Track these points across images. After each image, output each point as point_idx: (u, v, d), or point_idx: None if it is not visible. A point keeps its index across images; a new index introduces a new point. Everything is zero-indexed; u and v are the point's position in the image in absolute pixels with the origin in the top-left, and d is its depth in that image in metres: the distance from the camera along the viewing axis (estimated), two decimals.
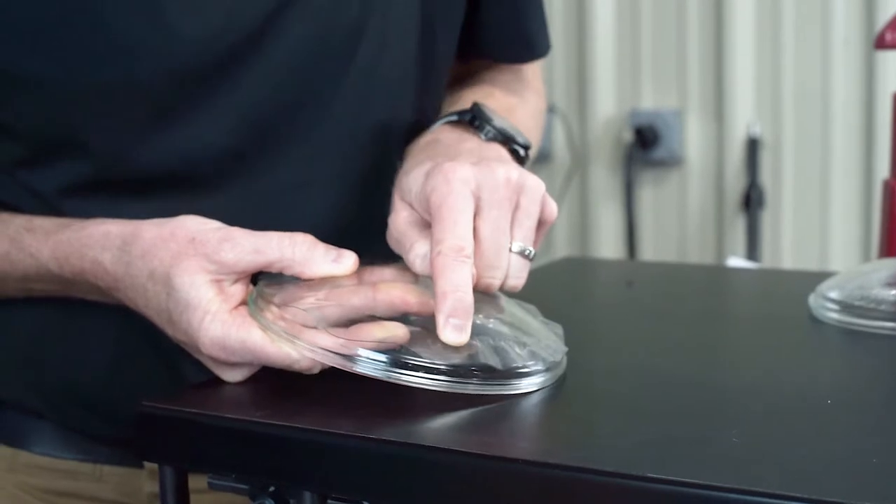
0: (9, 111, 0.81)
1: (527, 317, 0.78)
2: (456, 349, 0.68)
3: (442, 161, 0.75)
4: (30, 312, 0.88)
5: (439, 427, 0.66)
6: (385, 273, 0.76)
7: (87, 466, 0.93)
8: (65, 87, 0.78)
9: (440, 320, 0.68)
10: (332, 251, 0.73)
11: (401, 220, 0.76)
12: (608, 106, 2.54)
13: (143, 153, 0.82)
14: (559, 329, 0.77)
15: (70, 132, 0.81)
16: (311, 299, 0.72)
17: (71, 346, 0.88)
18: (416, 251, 0.74)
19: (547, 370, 0.71)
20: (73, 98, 0.79)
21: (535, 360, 0.71)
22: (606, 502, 0.57)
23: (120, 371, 0.87)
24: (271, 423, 0.66)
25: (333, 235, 0.76)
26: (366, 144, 0.89)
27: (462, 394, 0.67)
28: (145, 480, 0.92)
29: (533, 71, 1.09)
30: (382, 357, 0.67)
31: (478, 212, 0.73)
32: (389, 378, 0.67)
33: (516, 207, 0.74)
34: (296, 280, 0.73)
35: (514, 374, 0.69)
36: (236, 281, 0.72)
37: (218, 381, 0.73)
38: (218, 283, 0.71)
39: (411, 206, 0.76)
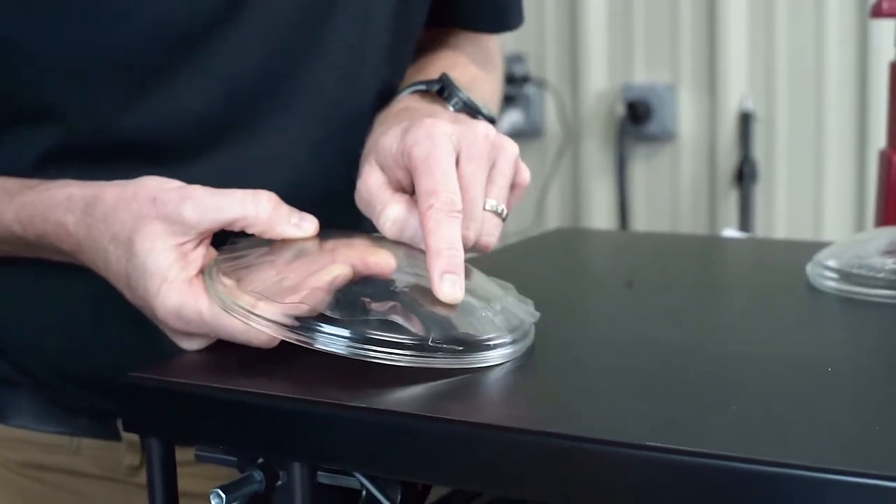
0: None
1: (497, 289, 0.76)
2: (433, 320, 0.67)
3: (419, 120, 0.74)
4: (6, 283, 0.87)
5: (432, 396, 0.64)
6: (350, 242, 0.74)
7: (64, 439, 0.92)
8: (44, 52, 0.77)
9: (435, 277, 0.68)
10: (295, 214, 0.73)
11: (371, 182, 0.75)
12: (600, 80, 2.52)
13: (123, 120, 0.81)
14: (531, 305, 0.76)
15: (49, 98, 0.80)
16: (269, 272, 0.70)
17: (47, 313, 0.87)
18: (387, 214, 0.73)
19: (514, 342, 0.69)
20: (51, 63, 0.78)
21: (502, 331, 0.69)
22: (606, 471, 0.56)
23: (97, 338, 0.86)
24: (260, 394, 0.65)
25: (316, 205, 0.75)
26: (349, 114, 0.88)
27: (428, 368, 0.66)
28: (124, 453, 0.91)
29: (494, 42, 1.09)
30: (344, 332, 0.65)
31: (455, 165, 0.72)
32: (352, 354, 0.65)
33: (492, 166, 0.74)
34: (254, 253, 0.72)
35: (481, 346, 0.68)
36: (199, 244, 0.72)
37: (205, 351, 0.72)
38: (180, 248, 0.70)
39: (384, 167, 0.75)
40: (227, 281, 0.69)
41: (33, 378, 0.89)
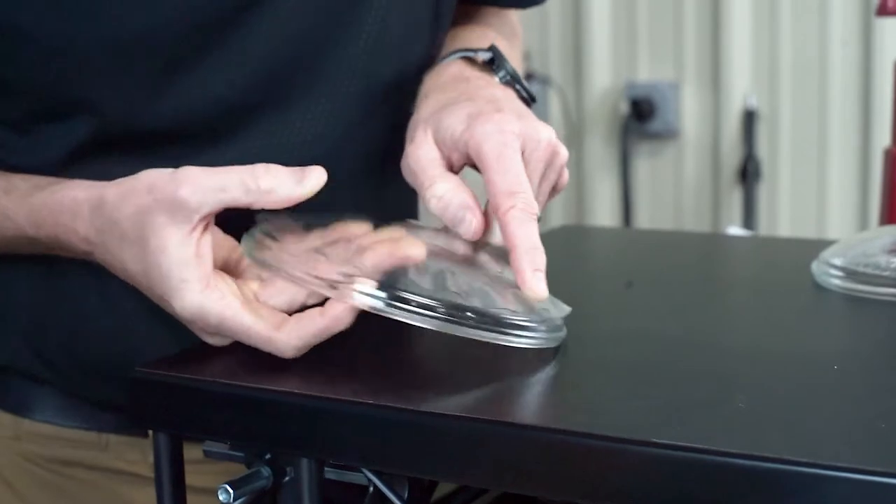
0: (17, 69, 0.79)
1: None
2: (456, 289, 0.67)
3: (486, 108, 0.75)
4: (32, 276, 0.87)
5: (439, 392, 0.65)
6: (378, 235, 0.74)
7: (91, 435, 0.92)
8: (68, 44, 0.76)
9: (526, 275, 0.67)
10: (297, 171, 0.71)
11: (422, 154, 0.75)
12: (604, 78, 2.52)
13: (154, 108, 0.80)
14: (559, 301, 0.76)
15: (77, 91, 0.79)
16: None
17: (75, 311, 0.87)
18: (435, 190, 0.73)
19: (547, 329, 0.70)
20: (77, 55, 0.77)
21: (538, 316, 0.69)
22: (611, 468, 0.56)
23: (125, 335, 0.86)
24: (268, 389, 0.65)
25: (352, 183, 0.74)
26: (383, 96, 0.87)
27: (455, 335, 0.66)
28: (150, 449, 0.91)
29: (517, 17, 1.09)
30: (379, 292, 0.65)
31: None
32: (383, 312, 0.65)
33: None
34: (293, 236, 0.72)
35: (511, 324, 0.68)
36: (204, 229, 0.70)
37: (214, 347, 0.72)
38: (188, 238, 0.69)
39: (440, 143, 0.75)
40: (272, 244, 0.69)
41: (58, 373, 0.89)
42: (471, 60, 0.87)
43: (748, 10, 2.33)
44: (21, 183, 0.80)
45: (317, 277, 0.66)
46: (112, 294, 0.84)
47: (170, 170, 0.71)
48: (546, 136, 0.75)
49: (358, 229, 0.73)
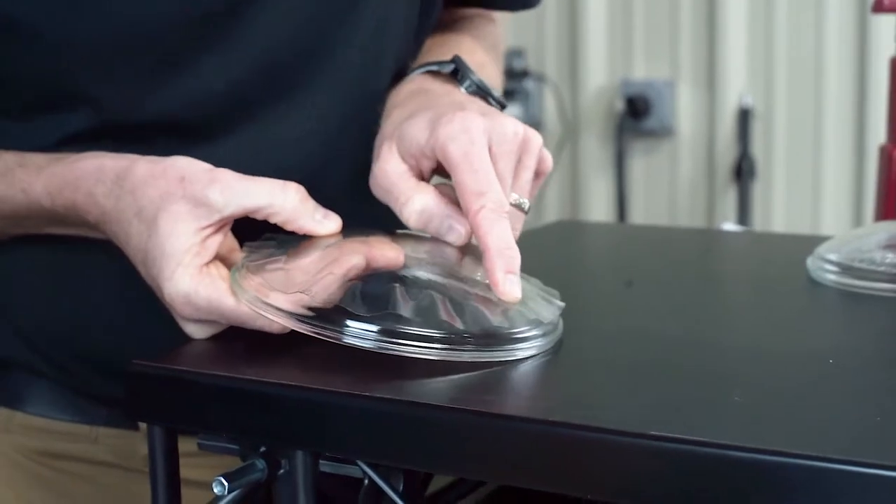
0: (14, 62, 0.79)
1: (524, 282, 0.76)
2: (464, 313, 0.67)
3: (449, 110, 0.74)
4: (33, 270, 0.86)
5: (436, 385, 0.64)
6: (367, 240, 0.74)
7: (83, 428, 0.92)
8: (66, 38, 0.77)
9: (498, 276, 0.68)
10: (320, 210, 0.73)
11: (391, 171, 0.75)
12: (599, 75, 2.52)
13: (151, 101, 0.80)
14: (555, 294, 0.76)
15: (74, 84, 0.79)
16: (280, 273, 0.70)
17: (72, 301, 0.86)
18: (413, 206, 0.73)
19: (543, 335, 0.70)
20: (75, 49, 0.77)
21: (531, 324, 0.69)
22: (609, 460, 0.56)
23: (123, 325, 0.86)
24: (263, 381, 0.65)
25: (344, 182, 0.74)
26: (373, 91, 0.87)
27: (458, 361, 0.66)
28: (141, 443, 0.91)
29: (500, 28, 1.08)
30: (372, 327, 0.65)
31: None
32: (381, 349, 0.65)
33: (518, 161, 0.74)
34: (274, 257, 0.72)
35: (510, 339, 0.68)
36: (219, 229, 0.71)
37: (209, 340, 0.72)
38: (200, 232, 0.70)
39: (406, 155, 0.75)
40: (251, 276, 0.69)
41: (58, 367, 0.89)
42: (435, 73, 0.87)
43: (743, 8, 2.33)
44: (36, 157, 0.80)
45: (302, 319, 0.66)
46: (113, 288, 0.84)
47: (206, 165, 0.72)
48: (512, 127, 0.74)
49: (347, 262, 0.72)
